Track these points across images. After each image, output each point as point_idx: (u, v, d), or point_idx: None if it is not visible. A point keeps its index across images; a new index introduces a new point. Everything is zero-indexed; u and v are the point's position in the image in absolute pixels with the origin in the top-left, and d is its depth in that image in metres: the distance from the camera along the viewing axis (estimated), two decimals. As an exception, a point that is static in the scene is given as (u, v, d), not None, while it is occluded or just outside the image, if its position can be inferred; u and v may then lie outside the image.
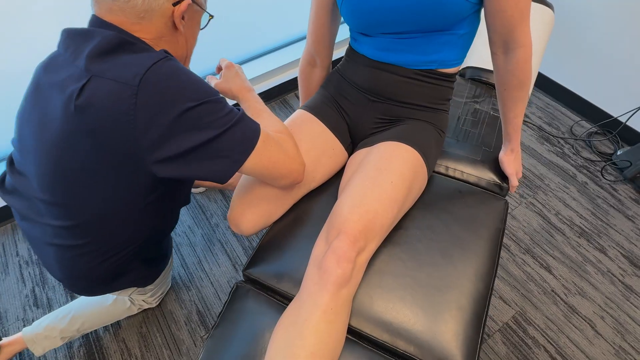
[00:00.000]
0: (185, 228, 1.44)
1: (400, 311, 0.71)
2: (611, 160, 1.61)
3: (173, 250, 1.37)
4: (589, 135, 1.72)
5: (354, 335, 0.71)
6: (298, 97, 1.94)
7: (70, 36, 0.62)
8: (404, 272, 0.76)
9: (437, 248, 0.79)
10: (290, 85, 1.91)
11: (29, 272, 1.32)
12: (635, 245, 1.41)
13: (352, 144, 0.93)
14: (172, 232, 1.43)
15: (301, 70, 1.03)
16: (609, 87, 1.63)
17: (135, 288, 1.01)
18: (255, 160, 0.65)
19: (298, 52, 1.90)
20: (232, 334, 0.70)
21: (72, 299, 1.25)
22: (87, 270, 0.76)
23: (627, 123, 1.61)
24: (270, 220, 0.82)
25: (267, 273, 0.78)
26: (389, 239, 0.79)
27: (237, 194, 0.82)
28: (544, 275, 1.33)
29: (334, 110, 0.90)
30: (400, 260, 0.77)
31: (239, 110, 0.64)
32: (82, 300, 1.10)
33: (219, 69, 0.85)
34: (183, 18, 0.65)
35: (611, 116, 1.66)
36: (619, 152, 1.59)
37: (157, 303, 1.23)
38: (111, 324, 1.21)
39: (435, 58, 0.78)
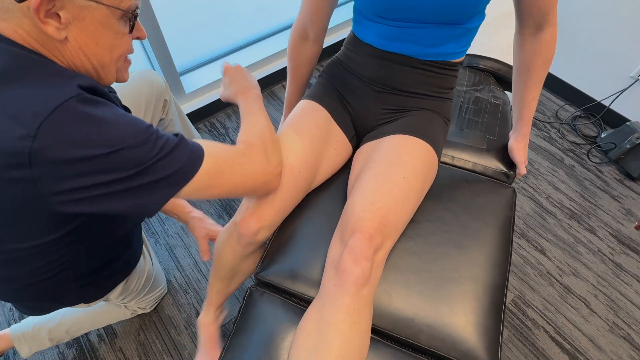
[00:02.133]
0: (178, 229, 1.39)
1: (420, 306, 0.70)
2: (596, 143, 1.65)
3: (168, 253, 1.31)
4: (574, 119, 1.76)
5: (376, 334, 0.70)
6: (285, 88, 1.89)
7: None
8: (420, 266, 0.74)
9: (450, 240, 0.78)
10: (278, 77, 1.85)
11: (12, 284, 1.24)
12: (622, 225, 1.46)
13: (357, 137, 0.90)
14: (164, 234, 1.37)
15: (291, 44, 0.93)
16: (592, 72, 1.67)
17: (116, 294, 0.93)
18: (197, 187, 0.56)
19: (285, 41, 1.84)
20: (251, 341, 0.68)
21: (61, 310, 1.18)
22: (21, 294, 0.73)
23: (610, 107, 1.65)
24: (284, 216, 0.78)
25: (281, 275, 0.75)
26: (403, 233, 0.77)
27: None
28: (539, 257, 1.37)
29: (336, 102, 0.87)
30: (415, 254, 0.76)
31: (172, 138, 0.54)
32: None
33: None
34: (59, 17, 0.49)
35: (595, 100, 1.70)
36: (602, 135, 1.64)
37: (152, 308, 1.18)
38: (106, 333, 1.16)
39: (441, 50, 0.77)
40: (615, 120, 1.67)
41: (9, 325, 1.16)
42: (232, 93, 0.79)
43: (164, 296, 1.22)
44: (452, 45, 0.76)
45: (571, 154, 1.65)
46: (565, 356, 1.17)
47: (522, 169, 0.90)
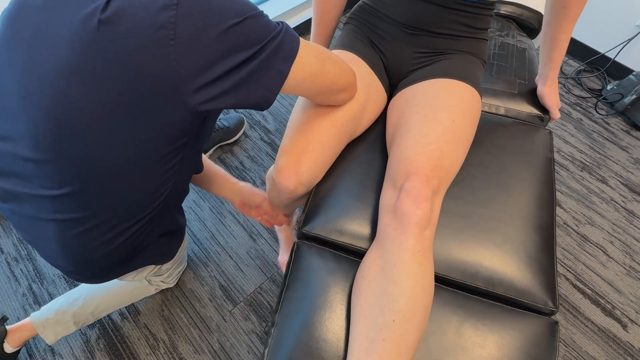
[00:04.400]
0: (191, 203, 1.34)
1: (474, 249, 0.69)
2: (601, 95, 1.66)
3: (182, 227, 1.27)
4: (578, 73, 1.76)
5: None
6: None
7: None
8: (468, 210, 0.73)
9: (494, 182, 0.76)
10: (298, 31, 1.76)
11: (21, 269, 1.17)
12: (632, 173, 1.48)
13: (390, 85, 0.86)
14: (177, 208, 1.32)
15: None
16: (595, 24, 1.66)
17: (152, 267, 0.91)
18: (303, 69, 0.57)
19: None
20: (305, 292, 0.65)
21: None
22: (97, 249, 0.63)
23: (615, 58, 1.66)
24: (325, 169, 0.75)
25: (326, 227, 0.72)
26: (446, 179, 0.75)
27: (285, 142, 0.73)
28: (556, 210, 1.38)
29: (371, 50, 0.83)
30: (461, 198, 0.74)
31: (280, 24, 0.56)
32: None
33: None
34: None
35: (598, 52, 1.70)
36: (608, 87, 1.64)
37: (175, 282, 1.15)
38: (128, 311, 1.12)
39: None
40: (619, 71, 1.68)
41: (24, 309, 1.10)
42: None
43: (184, 270, 1.19)
44: None
45: (578, 108, 1.66)
46: (587, 301, 1.20)
47: (555, 113, 0.89)
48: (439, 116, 0.68)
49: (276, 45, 0.52)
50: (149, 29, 0.45)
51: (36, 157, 0.53)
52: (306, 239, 0.73)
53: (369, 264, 0.60)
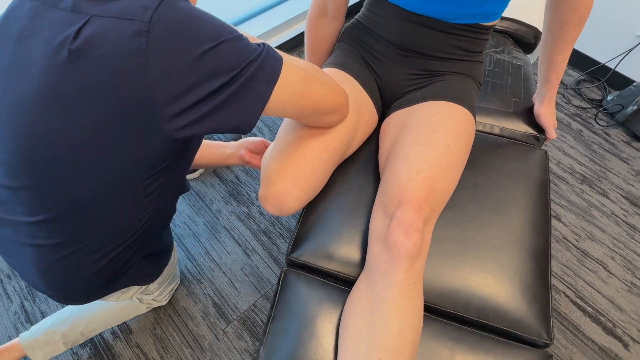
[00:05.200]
0: (185, 218, 1.33)
1: (467, 277, 0.67)
2: (601, 106, 1.64)
3: (175, 244, 1.25)
4: (578, 83, 1.73)
5: (424, 309, 0.67)
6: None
7: None
8: (462, 236, 0.71)
9: (488, 206, 0.75)
10: (285, 47, 1.75)
11: (13, 287, 1.16)
12: (633, 186, 1.46)
13: (383, 105, 0.85)
14: (171, 224, 1.31)
15: (310, 21, 0.88)
16: (595, 34, 1.64)
17: (137, 288, 0.90)
18: (285, 92, 0.55)
19: (294, 9, 1.73)
20: (291, 324, 0.63)
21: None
22: (77, 274, 0.62)
23: (616, 69, 1.63)
24: (314, 195, 0.73)
25: (315, 254, 0.70)
26: (439, 203, 0.74)
27: (273, 165, 0.69)
28: (555, 224, 1.36)
29: (364, 69, 0.81)
30: (456, 224, 0.72)
31: (261, 45, 0.54)
32: None
33: None
34: None
35: (599, 62, 1.68)
36: (609, 98, 1.62)
37: (168, 300, 1.13)
38: (120, 330, 1.10)
39: (479, 11, 0.71)
40: (619, 81, 1.65)
41: (16, 328, 1.09)
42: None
43: (177, 287, 1.17)
44: (492, 5, 0.70)
45: (578, 119, 1.64)
46: (587, 319, 1.17)
47: (551, 133, 0.87)
48: (433, 141, 0.67)
49: (256, 68, 0.51)
50: (122, 55, 0.44)
51: (12, 184, 0.53)
52: (294, 266, 0.72)
53: (357, 297, 0.59)
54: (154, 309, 1.14)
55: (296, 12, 1.72)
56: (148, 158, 0.53)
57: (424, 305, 0.66)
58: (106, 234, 0.60)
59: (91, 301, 0.76)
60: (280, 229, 1.30)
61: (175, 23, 0.45)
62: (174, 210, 0.76)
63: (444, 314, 0.66)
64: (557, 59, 0.78)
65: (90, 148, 0.49)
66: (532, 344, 0.64)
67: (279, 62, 0.53)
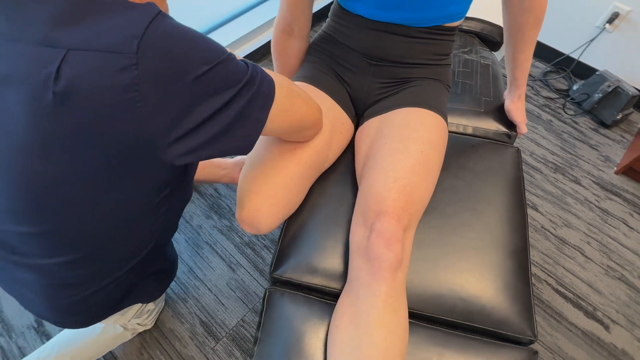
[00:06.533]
0: (165, 236, 1.29)
1: (450, 281, 0.68)
2: (569, 95, 1.69)
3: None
4: (545, 74, 1.78)
5: (410, 316, 0.67)
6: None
7: None
8: (442, 239, 0.72)
9: (465, 208, 0.76)
10: (258, 55, 1.72)
11: (-13, 323, 1.11)
12: (603, 171, 1.51)
13: (356, 114, 0.85)
14: (151, 244, 1.28)
15: (275, 41, 0.87)
16: (558, 26, 1.69)
17: (138, 307, 0.89)
18: (278, 113, 0.55)
19: (270, 11, 1.71)
20: (278, 345, 0.62)
21: (47, 341, 1.08)
22: (86, 300, 0.63)
23: (579, 59, 1.69)
24: (291, 211, 0.72)
25: (298, 270, 0.70)
26: (418, 208, 0.74)
27: (246, 186, 0.68)
28: (532, 214, 1.39)
29: (334, 82, 0.81)
30: (434, 228, 0.73)
31: (249, 65, 0.53)
32: (66, 334, 0.95)
33: None
34: None
35: (563, 54, 1.73)
36: (575, 87, 1.67)
37: (153, 323, 1.10)
38: (105, 358, 1.07)
39: (443, 13, 0.72)
40: (584, 71, 1.71)
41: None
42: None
43: (162, 309, 1.15)
44: (455, 6, 0.71)
45: (547, 109, 1.68)
46: (569, 305, 1.21)
47: (522, 128, 0.89)
48: (408, 148, 0.67)
49: (253, 94, 0.50)
50: (113, 92, 0.41)
51: (23, 230, 0.53)
52: (279, 283, 0.71)
53: (341, 313, 0.59)
54: (140, 333, 1.10)
55: (263, 20, 1.71)
56: (151, 188, 0.54)
57: (409, 312, 0.67)
58: (118, 259, 0.61)
59: (94, 324, 0.75)
60: (264, 240, 1.29)
61: (164, 50, 0.42)
62: (176, 226, 0.76)
63: (429, 319, 0.67)
64: (520, 58, 0.80)
65: (96, 187, 0.49)
66: (517, 342, 0.65)
67: (272, 85, 0.53)
